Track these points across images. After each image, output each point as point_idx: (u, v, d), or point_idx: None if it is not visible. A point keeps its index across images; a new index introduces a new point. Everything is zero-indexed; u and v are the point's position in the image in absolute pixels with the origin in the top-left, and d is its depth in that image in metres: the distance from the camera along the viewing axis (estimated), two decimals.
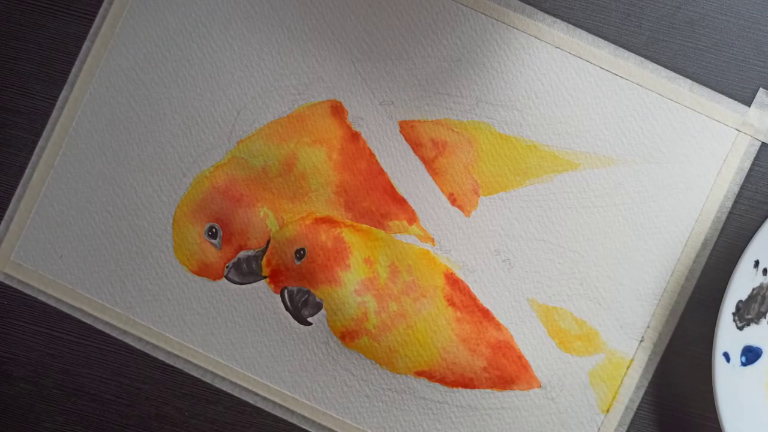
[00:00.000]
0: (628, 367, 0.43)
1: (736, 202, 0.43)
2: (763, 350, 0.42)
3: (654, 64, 0.43)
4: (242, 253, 0.44)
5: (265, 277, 0.44)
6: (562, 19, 0.43)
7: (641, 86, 0.43)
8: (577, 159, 0.43)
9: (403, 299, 0.43)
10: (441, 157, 0.44)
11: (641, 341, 0.43)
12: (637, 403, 0.43)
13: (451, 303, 0.43)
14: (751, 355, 0.42)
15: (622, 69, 0.43)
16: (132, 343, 0.44)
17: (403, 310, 0.43)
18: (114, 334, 0.44)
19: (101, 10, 0.44)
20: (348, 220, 0.44)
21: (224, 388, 0.44)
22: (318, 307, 0.43)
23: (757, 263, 0.41)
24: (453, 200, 0.44)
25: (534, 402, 0.43)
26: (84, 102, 0.44)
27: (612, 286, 0.43)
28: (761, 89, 0.43)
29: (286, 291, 0.44)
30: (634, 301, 0.43)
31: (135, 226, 0.44)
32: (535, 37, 0.43)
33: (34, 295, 0.44)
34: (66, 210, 0.44)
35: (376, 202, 0.44)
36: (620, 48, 0.43)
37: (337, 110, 0.44)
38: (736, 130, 0.43)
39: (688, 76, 0.43)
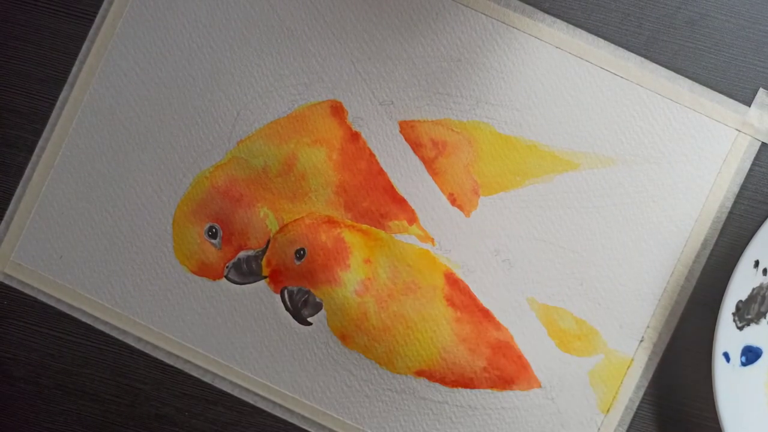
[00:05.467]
0: (628, 367, 0.43)
1: (736, 202, 0.43)
2: (763, 350, 0.43)
3: (654, 64, 0.43)
4: (242, 253, 0.44)
5: (265, 277, 0.44)
6: (562, 19, 0.43)
7: (641, 86, 0.43)
8: (576, 159, 0.43)
9: (403, 299, 0.43)
10: (441, 157, 0.44)
11: (641, 341, 0.43)
12: (637, 403, 0.43)
13: (451, 303, 0.43)
14: (751, 355, 0.42)
15: (622, 69, 0.43)
16: (132, 343, 0.44)
17: (403, 310, 0.43)
18: (114, 334, 0.44)
19: (101, 10, 0.44)
20: (348, 220, 0.44)
21: (224, 388, 0.44)
22: (318, 307, 0.44)
23: (757, 263, 0.41)
24: (453, 200, 0.44)
25: (534, 402, 0.43)
26: (84, 102, 0.44)
27: (612, 286, 0.43)
28: (761, 89, 0.43)
29: (286, 291, 0.44)
30: (634, 301, 0.43)
31: (135, 227, 0.44)
32: (535, 37, 0.43)
33: (34, 295, 0.44)
34: (66, 210, 0.44)
35: (376, 202, 0.44)
36: (620, 48, 0.43)
37: (337, 110, 0.44)
38: (736, 130, 0.43)
39: (688, 76, 0.43)
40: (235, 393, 0.44)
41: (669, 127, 0.43)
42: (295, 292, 0.44)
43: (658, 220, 0.43)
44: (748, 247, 0.41)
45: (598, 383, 0.43)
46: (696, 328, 0.43)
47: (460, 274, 0.43)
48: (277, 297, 0.44)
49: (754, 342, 0.42)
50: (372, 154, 0.44)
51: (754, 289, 0.42)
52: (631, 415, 0.43)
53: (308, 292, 0.43)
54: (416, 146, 0.44)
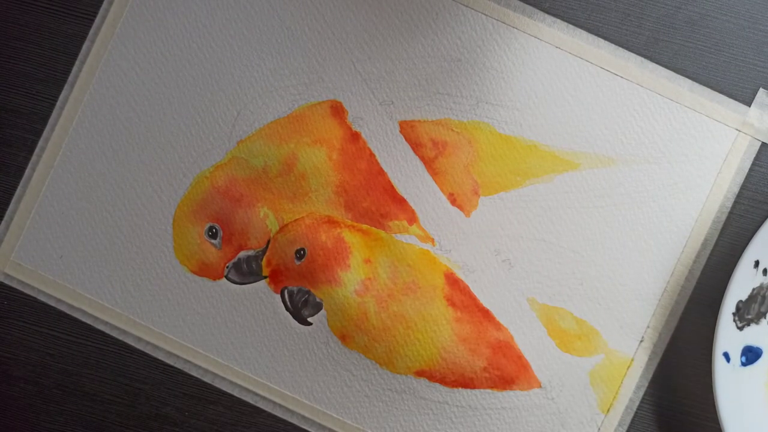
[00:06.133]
0: (628, 367, 0.43)
1: (736, 202, 0.43)
2: (763, 350, 0.43)
3: (654, 64, 0.43)
4: (242, 253, 0.44)
5: (265, 277, 0.44)
6: (563, 19, 0.43)
7: (641, 86, 0.43)
8: (577, 159, 0.43)
9: (403, 299, 0.43)
10: (441, 157, 0.44)
11: (641, 341, 0.43)
12: (637, 403, 0.43)
13: (451, 303, 0.43)
14: (751, 355, 0.42)
15: (622, 69, 0.43)
16: (132, 343, 0.44)
17: (403, 310, 0.43)
18: (114, 334, 0.44)
19: (101, 10, 0.44)
20: (348, 220, 0.44)
21: (224, 388, 0.44)
22: (318, 307, 0.43)
23: (757, 263, 0.41)
24: (453, 200, 0.44)
25: (534, 402, 0.43)
26: (84, 102, 0.44)
27: (612, 286, 0.43)
28: (761, 89, 0.43)
29: (286, 291, 0.44)
30: (635, 301, 0.43)
31: (135, 227, 0.44)
32: (535, 37, 0.43)
33: (34, 295, 0.44)
34: (66, 210, 0.44)
35: (376, 202, 0.44)
36: (620, 48, 0.43)
37: (337, 110, 0.44)
38: (737, 130, 0.43)
39: (688, 76, 0.43)
40: (235, 393, 0.44)
41: (669, 127, 0.43)
42: (295, 292, 0.44)
43: (658, 220, 0.43)
44: (748, 247, 0.41)
45: (598, 383, 0.43)
46: (696, 328, 0.43)
47: (460, 274, 0.43)
48: (277, 297, 0.44)
49: (754, 342, 0.42)
50: (372, 154, 0.44)
51: (754, 289, 0.42)
52: (631, 415, 0.43)
53: (308, 292, 0.43)
54: (416, 146, 0.44)
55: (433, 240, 0.44)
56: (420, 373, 0.44)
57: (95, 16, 0.44)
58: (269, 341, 0.44)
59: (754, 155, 0.43)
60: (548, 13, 0.43)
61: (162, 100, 0.44)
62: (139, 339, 0.44)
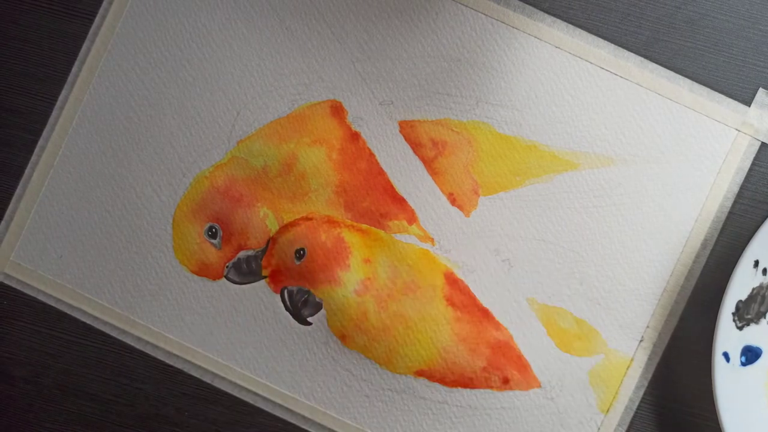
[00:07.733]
0: (627, 367, 0.43)
1: (735, 201, 0.43)
2: (762, 350, 0.43)
3: (654, 64, 0.43)
4: (242, 253, 0.44)
5: (264, 277, 0.44)
6: (562, 19, 0.43)
7: (641, 86, 0.43)
8: (576, 159, 0.43)
9: (403, 299, 0.43)
10: (441, 157, 0.44)
11: (641, 341, 0.43)
12: (636, 403, 0.43)
13: (451, 303, 0.43)
14: (750, 355, 0.42)
15: (621, 69, 0.43)
16: (132, 343, 0.44)
17: (403, 310, 0.43)
18: (114, 334, 0.44)
19: (101, 10, 0.44)
20: (348, 220, 0.44)
21: (224, 388, 0.44)
22: (318, 307, 0.43)
23: (756, 263, 0.41)
24: (453, 200, 0.44)
25: (534, 402, 0.43)
26: (84, 102, 0.44)
27: (612, 285, 0.43)
28: (761, 89, 0.43)
29: (285, 291, 0.44)
30: (634, 301, 0.43)
31: (135, 226, 0.44)
32: (535, 37, 0.43)
33: (33, 295, 0.44)
34: (66, 210, 0.44)
35: (376, 202, 0.44)
36: (620, 48, 0.43)
37: (337, 110, 0.44)
38: (736, 130, 0.43)
39: (687, 76, 0.43)
40: (235, 393, 0.44)
41: (669, 126, 0.43)
42: (294, 291, 0.44)
43: (657, 219, 0.43)
44: (747, 246, 0.41)
45: (597, 383, 0.43)
46: (696, 328, 0.43)
47: (459, 273, 0.43)
48: (277, 297, 0.44)
49: (753, 342, 0.42)
50: (372, 154, 0.44)
51: (753, 289, 0.42)
52: (631, 415, 0.43)
53: (308, 292, 0.43)
54: (416, 146, 0.44)
55: (432, 240, 0.44)
56: (420, 373, 0.44)
57: (95, 16, 0.44)
58: (269, 341, 0.44)
59: (753, 155, 0.43)
60: (548, 13, 0.43)
61: (162, 99, 0.44)
62: (139, 339, 0.44)
